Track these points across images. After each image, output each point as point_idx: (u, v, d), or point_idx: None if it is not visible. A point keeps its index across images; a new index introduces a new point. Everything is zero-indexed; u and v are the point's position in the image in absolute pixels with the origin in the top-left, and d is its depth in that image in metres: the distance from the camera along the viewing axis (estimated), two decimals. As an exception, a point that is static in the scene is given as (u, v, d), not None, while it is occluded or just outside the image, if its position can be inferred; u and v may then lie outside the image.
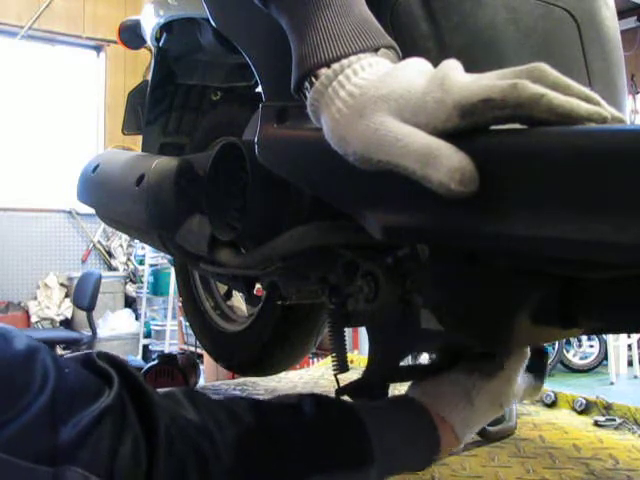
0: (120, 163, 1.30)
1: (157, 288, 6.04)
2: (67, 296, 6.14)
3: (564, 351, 5.74)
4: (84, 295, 4.85)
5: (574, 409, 1.39)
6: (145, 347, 6.06)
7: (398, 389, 0.83)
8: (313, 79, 0.54)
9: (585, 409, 1.37)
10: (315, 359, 3.66)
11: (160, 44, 1.31)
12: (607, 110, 0.45)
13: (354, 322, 0.84)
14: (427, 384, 0.74)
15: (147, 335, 6.12)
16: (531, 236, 0.43)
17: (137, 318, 6.24)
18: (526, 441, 1.14)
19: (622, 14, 6.20)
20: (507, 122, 0.45)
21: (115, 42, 1.93)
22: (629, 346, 5.77)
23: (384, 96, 0.49)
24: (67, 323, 6.08)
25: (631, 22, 6.62)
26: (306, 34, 0.56)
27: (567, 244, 0.41)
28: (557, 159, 0.42)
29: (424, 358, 1.09)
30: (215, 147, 0.98)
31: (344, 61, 0.53)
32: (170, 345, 5.65)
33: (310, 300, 1.02)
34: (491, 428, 1.11)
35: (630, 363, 5.79)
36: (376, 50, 0.54)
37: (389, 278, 0.73)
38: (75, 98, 6.64)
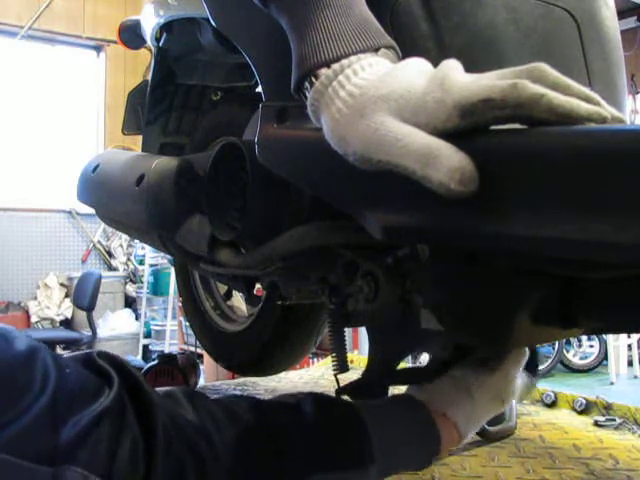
0: (120, 163, 1.30)
1: (157, 288, 6.04)
2: (67, 296, 6.14)
3: (564, 351, 5.73)
4: (84, 295, 4.85)
5: (574, 409, 1.39)
6: (145, 347, 6.06)
7: (398, 388, 0.83)
8: (313, 79, 0.54)
9: (585, 409, 1.37)
10: (315, 359, 3.66)
11: (160, 44, 1.31)
12: (607, 110, 0.45)
13: (354, 322, 0.84)
14: (427, 383, 0.74)
15: (147, 335, 6.13)
16: (531, 236, 0.43)
17: (137, 318, 6.24)
18: (526, 441, 1.14)
19: (622, 14, 6.20)
20: (507, 122, 0.45)
21: (115, 42, 1.93)
22: (629, 346, 5.77)
23: (384, 96, 0.49)
24: (67, 323, 6.09)
25: (631, 22, 6.62)
26: (306, 34, 0.56)
27: (567, 244, 0.41)
28: (557, 159, 0.42)
29: (424, 358, 1.09)
30: (215, 147, 0.98)
31: (344, 61, 0.53)
32: (170, 345, 5.65)
33: (310, 300, 1.02)
34: (491, 428, 1.11)
35: (630, 363, 5.79)
36: (376, 50, 0.54)
37: (389, 278, 0.73)
38: (75, 98, 6.64)
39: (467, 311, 0.63)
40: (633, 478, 0.99)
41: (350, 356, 0.95)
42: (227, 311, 1.47)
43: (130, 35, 1.49)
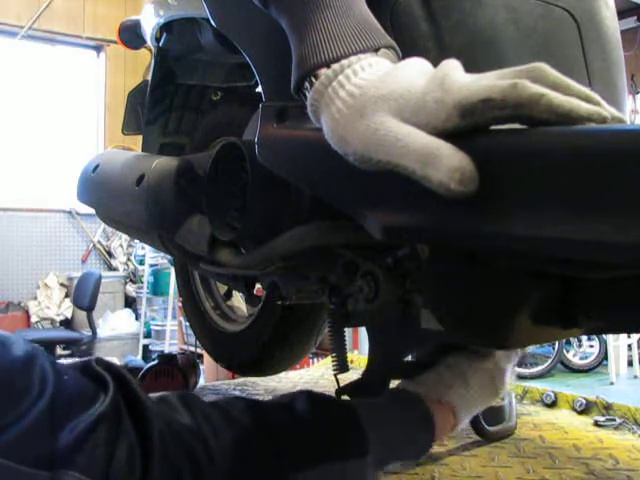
0: (120, 163, 1.30)
1: (157, 288, 6.04)
2: (67, 296, 6.14)
3: (564, 351, 5.73)
4: (84, 295, 4.85)
5: (574, 409, 1.39)
6: (145, 347, 6.06)
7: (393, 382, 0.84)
8: (313, 79, 0.54)
9: (585, 409, 1.37)
10: (315, 359, 3.66)
11: (160, 44, 1.31)
12: (607, 110, 0.45)
13: (354, 322, 0.84)
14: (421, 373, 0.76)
15: (147, 335, 6.13)
16: (531, 236, 0.43)
17: (137, 318, 6.25)
18: (526, 441, 1.14)
19: (622, 14, 6.20)
20: (507, 122, 0.45)
21: (115, 42, 1.93)
22: (629, 346, 5.77)
23: (384, 96, 0.49)
24: (67, 323, 6.09)
25: (631, 22, 6.62)
26: (306, 34, 0.56)
27: (567, 244, 0.41)
28: (557, 159, 0.42)
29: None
30: (215, 147, 0.98)
31: (344, 61, 0.53)
32: (170, 345, 5.65)
33: (310, 300, 1.02)
34: (491, 428, 1.11)
35: (630, 363, 5.79)
36: (376, 50, 0.54)
37: (389, 278, 0.73)
38: (75, 98, 6.65)
39: (467, 311, 0.63)
40: (633, 478, 0.99)
41: (350, 356, 0.95)
42: (227, 311, 1.47)
43: (130, 35, 1.49)
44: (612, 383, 5.37)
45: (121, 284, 6.47)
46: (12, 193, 6.20)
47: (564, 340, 4.70)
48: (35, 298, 6.15)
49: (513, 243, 0.45)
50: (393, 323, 0.76)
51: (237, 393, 1.50)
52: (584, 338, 5.85)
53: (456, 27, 0.68)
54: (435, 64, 0.50)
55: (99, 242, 6.63)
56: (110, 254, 6.67)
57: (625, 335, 5.40)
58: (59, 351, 5.48)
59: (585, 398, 1.39)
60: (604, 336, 5.51)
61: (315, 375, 1.73)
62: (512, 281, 0.59)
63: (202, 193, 0.99)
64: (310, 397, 0.67)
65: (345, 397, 0.81)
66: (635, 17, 6.65)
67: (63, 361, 0.58)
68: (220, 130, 1.29)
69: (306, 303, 1.06)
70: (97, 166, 1.36)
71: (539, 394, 1.48)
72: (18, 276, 6.13)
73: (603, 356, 5.79)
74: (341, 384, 0.84)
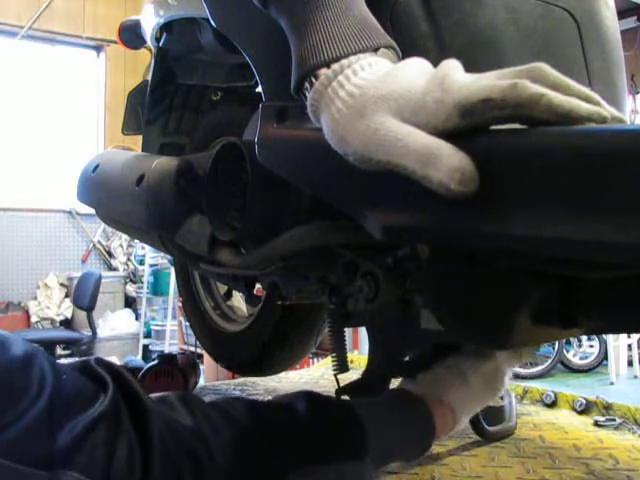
0: (120, 163, 1.30)
1: (157, 288, 6.04)
2: (67, 296, 6.14)
3: (564, 351, 5.73)
4: (84, 295, 4.85)
5: (574, 409, 1.39)
6: (145, 347, 6.06)
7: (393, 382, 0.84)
8: (313, 79, 0.54)
9: (585, 409, 1.37)
10: (315, 359, 3.66)
11: (160, 44, 1.31)
12: (607, 110, 0.45)
13: (354, 322, 0.84)
14: (422, 372, 0.76)
15: (147, 335, 6.13)
16: (531, 236, 0.43)
17: (137, 318, 6.25)
18: (526, 441, 1.14)
19: (622, 14, 6.20)
20: (507, 122, 0.45)
21: (115, 42, 1.93)
22: (629, 346, 5.77)
23: (384, 96, 0.49)
24: (67, 323, 6.09)
25: (631, 22, 6.62)
26: (306, 34, 0.56)
27: (567, 244, 0.41)
28: (557, 159, 0.42)
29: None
30: (215, 147, 0.98)
31: (344, 61, 0.53)
32: (170, 345, 5.65)
33: (310, 300, 1.02)
34: (491, 428, 1.11)
35: (630, 363, 5.79)
36: (376, 50, 0.54)
37: (389, 278, 0.73)
38: (75, 98, 6.65)
39: (467, 311, 0.63)
40: (633, 478, 0.99)
41: (350, 356, 0.95)
42: (227, 311, 1.47)
43: (130, 35, 1.49)
44: (612, 383, 5.37)
45: (121, 284, 6.47)
46: (12, 193, 6.20)
47: (564, 340, 4.70)
48: (35, 298, 6.15)
49: (513, 243, 0.45)
50: (393, 323, 0.76)
51: (237, 393, 1.50)
52: (584, 338, 5.85)
53: (456, 27, 0.68)
54: (435, 64, 0.50)
55: (99, 242, 6.63)
56: (110, 254, 6.67)
57: (625, 335, 5.40)
58: (59, 351, 5.48)
59: (585, 398, 1.39)
60: (604, 336, 5.51)
61: (315, 375, 1.73)
62: (512, 281, 0.59)
63: (202, 193, 0.99)
64: (310, 398, 0.67)
65: (345, 397, 0.81)
66: (635, 17, 6.65)
67: (63, 361, 0.58)
68: (220, 130, 1.29)
69: (306, 303, 1.06)
70: (97, 166, 1.36)
71: (539, 394, 1.48)
72: (18, 276, 6.13)
73: (603, 356, 5.79)
74: (341, 384, 0.84)
